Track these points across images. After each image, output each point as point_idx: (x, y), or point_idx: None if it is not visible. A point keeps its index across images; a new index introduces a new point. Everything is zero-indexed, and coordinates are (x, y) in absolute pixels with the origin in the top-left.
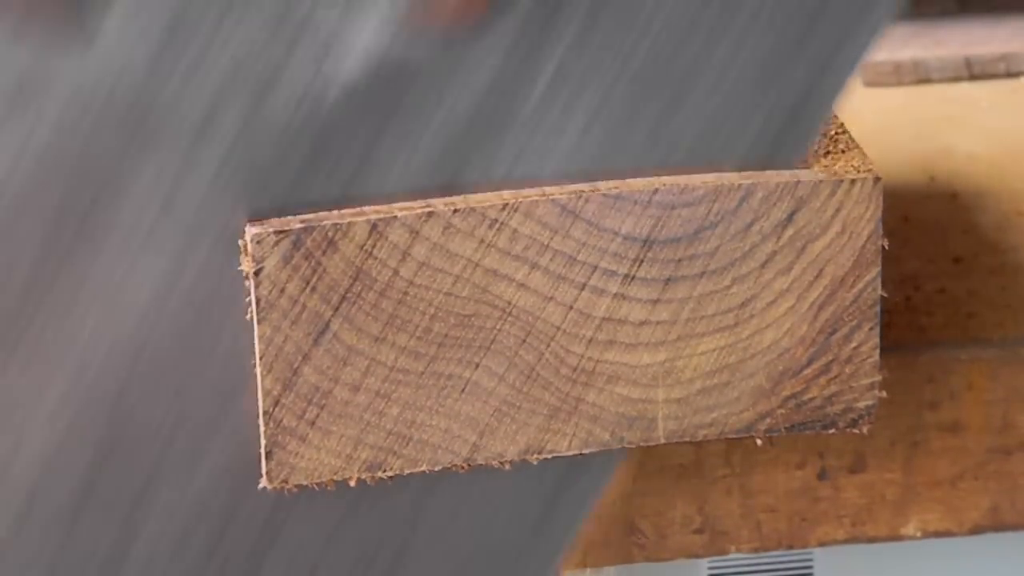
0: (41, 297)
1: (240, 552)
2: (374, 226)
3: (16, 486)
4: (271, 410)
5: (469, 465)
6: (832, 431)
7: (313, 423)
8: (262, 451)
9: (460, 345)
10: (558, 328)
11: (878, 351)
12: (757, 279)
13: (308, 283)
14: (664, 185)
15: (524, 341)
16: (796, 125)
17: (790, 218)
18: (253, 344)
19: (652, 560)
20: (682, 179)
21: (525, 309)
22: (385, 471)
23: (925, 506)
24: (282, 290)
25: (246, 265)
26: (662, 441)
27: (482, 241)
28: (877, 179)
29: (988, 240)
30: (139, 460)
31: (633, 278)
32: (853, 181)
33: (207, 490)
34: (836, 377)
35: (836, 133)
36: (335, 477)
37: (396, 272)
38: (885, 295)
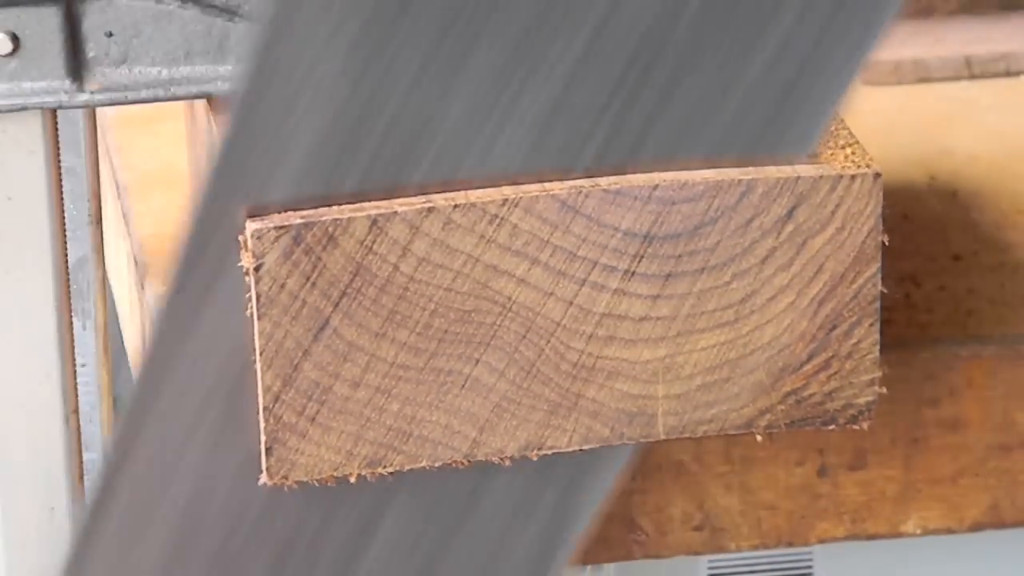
0: None
1: None
2: (374, 221)
3: None
4: (271, 406)
5: (469, 461)
6: (832, 427)
7: (313, 419)
8: (262, 447)
9: (460, 341)
10: (558, 324)
11: (878, 347)
12: (757, 275)
13: (308, 279)
14: (664, 181)
15: (524, 337)
16: (800, 121)
17: (790, 214)
18: (253, 340)
19: (652, 557)
20: (682, 175)
21: (525, 305)
22: (385, 467)
23: (925, 503)
24: (282, 286)
25: (246, 261)
26: (662, 437)
27: (482, 237)
28: (877, 175)
29: (988, 238)
30: None
31: (633, 274)
32: (853, 176)
33: None
34: (836, 373)
35: (836, 128)
36: (335, 473)
37: (396, 268)
38: (885, 292)
